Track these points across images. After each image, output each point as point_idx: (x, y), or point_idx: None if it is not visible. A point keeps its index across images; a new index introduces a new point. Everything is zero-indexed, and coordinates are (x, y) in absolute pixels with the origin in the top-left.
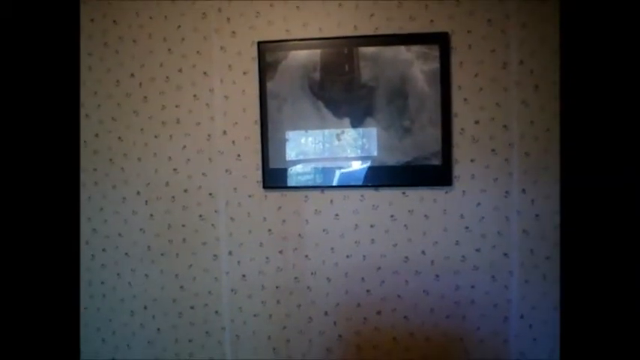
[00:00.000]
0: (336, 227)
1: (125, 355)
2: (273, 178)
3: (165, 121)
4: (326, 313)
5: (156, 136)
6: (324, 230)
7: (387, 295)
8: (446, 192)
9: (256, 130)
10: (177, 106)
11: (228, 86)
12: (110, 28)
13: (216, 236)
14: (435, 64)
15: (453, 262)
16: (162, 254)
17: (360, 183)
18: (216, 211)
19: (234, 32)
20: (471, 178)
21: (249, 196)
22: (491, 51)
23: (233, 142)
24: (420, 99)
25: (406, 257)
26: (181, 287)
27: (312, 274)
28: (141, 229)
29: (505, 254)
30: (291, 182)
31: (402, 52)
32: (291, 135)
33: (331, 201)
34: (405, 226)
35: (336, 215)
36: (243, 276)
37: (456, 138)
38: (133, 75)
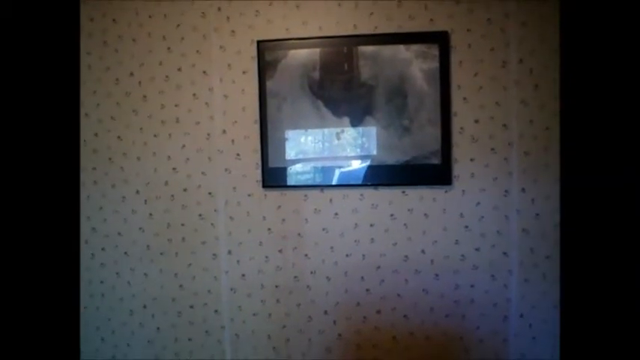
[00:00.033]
0: (336, 226)
1: (125, 354)
2: (273, 177)
3: (164, 120)
4: (325, 312)
5: (155, 135)
6: (323, 229)
7: (387, 294)
8: (445, 191)
9: (256, 129)
10: (176, 105)
11: (228, 85)
12: (109, 26)
13: (215, 235)
14: (435, 63)
15: (453, 261)
16: (161, 253)
17: (360, 182)
18: (215, 210)
19: (233, 31)
20: (470, 177)
21: (249, 195)
22: (491, 50)
23: (232, 141)
24: (419, 98)
25: (406, 256)
26: (181, 286)
27: (311, 273)
28: (140, 228)
29: (505, 253)
30: (290, 181)
31: (402, 51)
32: (290, 134)
33: (331, 200)
34: (405, 225)
35: (336, 214)
36: (243, 275)
37: (456, 137)
38: (132, 74)
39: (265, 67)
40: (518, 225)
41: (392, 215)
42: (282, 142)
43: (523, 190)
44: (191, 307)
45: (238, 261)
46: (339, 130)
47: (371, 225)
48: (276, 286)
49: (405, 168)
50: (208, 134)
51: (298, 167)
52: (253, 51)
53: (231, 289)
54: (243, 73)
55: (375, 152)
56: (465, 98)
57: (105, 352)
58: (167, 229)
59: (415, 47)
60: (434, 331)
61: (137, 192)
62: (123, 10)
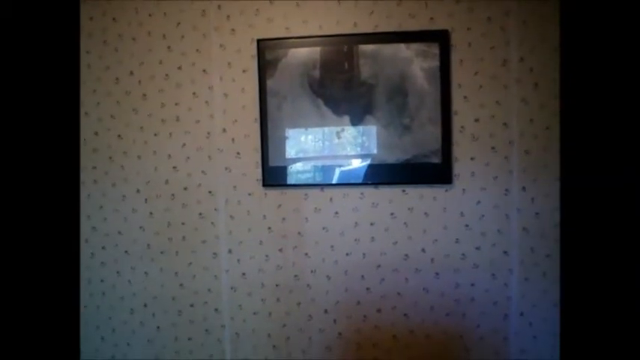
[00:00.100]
0: (336, 225)
1: (125, 354)
2: (273, 176)
3: (164, 119)
4: (326, 311)
5: (155, 134)
6: (323, 228)
7: (387, 293)
8: (446, 190)
9: (256, 127)
10: (176, 104)
11: (228, 84)
12: (109, 25)
13: (215, 234)
14: (435, 62)
15: (453, 260)
16: (161, 252)
17: (360, 181)
18: (215, 209)
19: (233, 30)
20: (470, 176)
21: (249, 194)
22: (491, 48)
23: (233, 139)
24: (419, 97)
25: (406, 255)
26: (181, 285)
27: (311, 272)
28: (140, 227)
29: (505, 252)
30: (290, 180)
31: (402, 49)
32: (290, 133)
33: (331, 199)
34: (405, 224)
35: (336, 213)
36: (243, 274)
37: (456, 136)
38: (132, 73)
39: (265, 65)
40: (518, 224)
41: (392, 214)
42: (283, 140)
43: (523, 188)
44: (191, 305)
45: (238, 260)
46: (339, 128)
47: (371, 224)
48: (277, 285)
49: (406, 167)
50: (208, 133)
51: (298, 166)
52: (253, 50)
53: (232, 288)
54: (244, 71)
55: (375, 151)
56: (465, 97)
57: (105, 351)
58: (167, 227)
59: (415, 46)
60: (434, 330)
61: (137, 191)
62: (123, 9)
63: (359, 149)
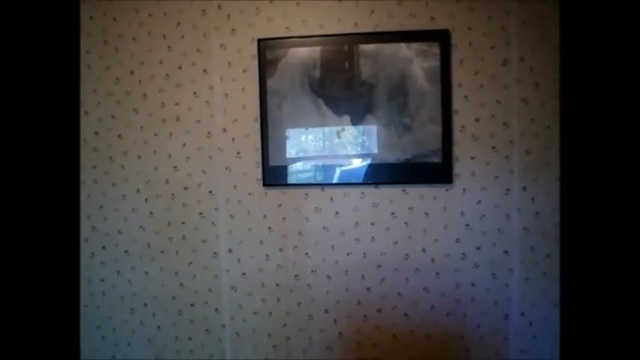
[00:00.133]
0: (337, 225)
1: (125, 353)
2: (273, 175)
3: (165, 119)
4: (326, 311)
5: (156, 134)
6: (324, 228)
7: (388, 293)
8: (446, 189)
9: (256, 127)
10: (177, 104)
11: (228, 84)
12: (110, 25)
13: (216, 234)
14: (435, 62)
15: (454, 260)
16: (162, 252)
17: (361, 180)
18: (216, 209)
19: (233, 29)
20: (471, 176)
21: (249, 194)
22: (492, 48)
23: (233, 139)
24: (420, 96)
25: (406, 255)
26: (181, 285)
27: (312, 271)
28: (141, 227)
29: (505, 252)
30: (291, 180)
31: (403, 49)
32: (291, 132)
33: (331, 198)
34: (406, 223)
35: (337, 213)
36: (243, 274)
37: (457, 135)
38: (132, 72)
39: (266, 65)
40: (518, 223)
41: (393, 214)
42: (283, 140)
43: (524, 188)
44: (191, 305)
45: (239, 259)
46: (339, 128)
47: (372, 223)
48: (277, 285)
49: (406, 166)
50: (209, 133)
51: (299, 166)
52: (254, 49)
53: (232, 288)
54: (244, 71)
55: (375, 151)
56: (465, 96)
57: (105, 350)
58: (167, 227)
59: (416, 45)
60: (434, 330)
61: (137, 190)
62: (123, 9)
63: (359, 149)
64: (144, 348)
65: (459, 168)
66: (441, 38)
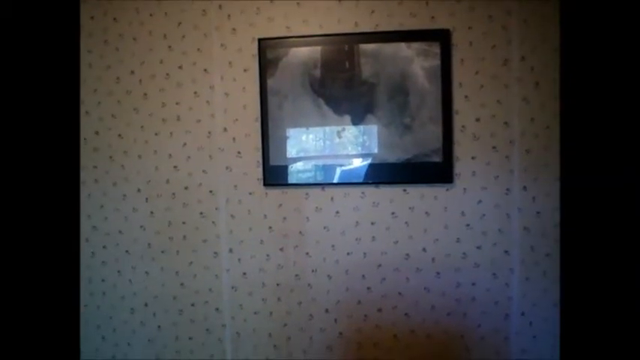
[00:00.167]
0: (337, 224)
1: (125, 353)
2: (274, 175)
3: (165, 119)
4: (327, 311)
5: (156, 134)
6: (324, 227)
7: (388, 293)
8: (447, 189)
9: (257, 127)
10: (177, 104)
11: (229, 83)
12: (110, 25)
13: (216, 234)
14: (436, 61)
15: (454, 260)
16: (162, 251)
17: (361, 180)
18: (216, 209)
19: (234, 29)
20: (471, 176)
21: (250, 194)
22: (492, 48)
23: (233, 139)
24: (420, 96)
25: (407, 254)
26: (182, 285)
27: (312, 271)
28: (141, 227)
29: (506, 251)
30: (291, 179)
31: (403, 48)
32: (291, 132)
33: (332, 198)
34: (406, 223)
35: (337, 212)
36: (244, 273)
37: (457, 135)
38: (133, 72)
39: (266, 65)
40: (519, 223)
41: (393, 213)
42: (283, 140)
43: (524, 188)
44: (192, 305)
45: (239, 259)
46: (340, 128)
47: (372, 223)
48: (277, 285)
49: (406, 166)
50: (209, 132)
51: (299, 165)
52: (254, 49)
53: (232, 288)
54: (244, 71)
55: (376, 150)
56: (466, 96)
57: (106, 350)
58: (168, 227)
59: (416, 45)
60: (435, 330)
61: (138, 190)
62: (123, 9)
63: (360, 148)
64: (144, 348)
65: (459, 168)
66: (441, 38)
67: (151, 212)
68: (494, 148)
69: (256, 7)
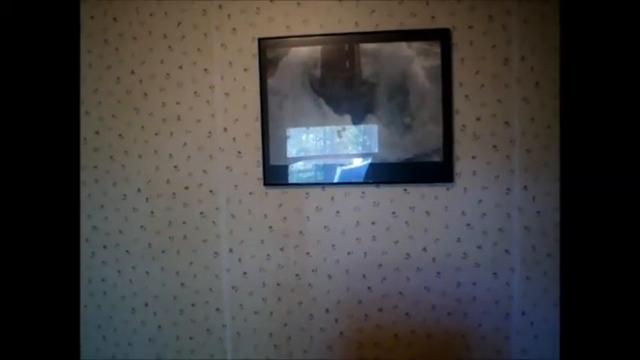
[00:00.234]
0: (337, 224)
1: (126, 353)
2: (274, 175)
3: (165, 119)
4: (327, 311)
5: (156, 134)
6: (325, 227)
7: (389, 292)
8: (447, 189)
9: (257, 127)
10: (177, 104)
11: (229, 83)
12: (110, 25)
13: (217, 233)
14: (436, 61)
15: (455, 259)
16: (162, 251)
17: (361, 180)
18: (216, 209)
19: (234, 29)
20: (472, 175)
21: (250, 193)
22: (493, 47)
23: (234, 139)
24: (421, 96)
25: (407, 254)
26: (182, 284)
27: (313, 271)
28: (141, 227)
29: (506, 251)
30: (292, 179)
31: (403, 48)
32: (291, 132)
33: (332, 198)
34: (406, 222)
35: (337, 212)
36: (244, 273)
37: (457, 135)
38: (133, 72)
39: (266, 64)
40: (519, 222)
41: (393, 213)
42: (284, 139)
43: (525, 187)
44: (192, 305)
45: (240, 259)
46: (340, 127)
47: (372, 223)
48: (278, 284)
49: (407, 166)
50: (209, 132)
51: (299, 165)
52: (254, 49)
53: (233, 288)
54: (245, 70)
55: (376, 150)
56: (466, 96)
57: (106, 350)
58: (168, 227)
59: (417, 44)
60: (436, 329)
61: (138, 190)
62: (123, 9)
63: (360, 148)
64: (145, 348)
65: (459, 167)
66: (441, 37)
67: (152, 212)
68: (494, 147)
69: (256, 7)
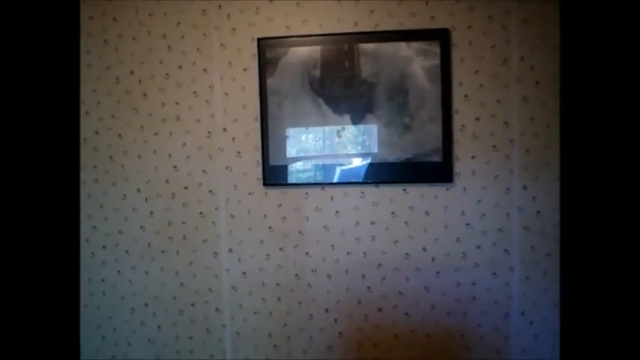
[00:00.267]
0: (337, 224)
1: (126, 353)
2: (274, 175)
3: (165, 119)
4: (327, 310)
5: (156, 134)
6: (324, 227)
7: (388, 292)
8: (447, 188)
9: (256, 127)
10: (177, 104)
11: (228, 83)
12: (110, 25)
13: (216, 233)
14: (436, 61)
15: (454, 259)
16: (162, 251)
17: (361, 180)
18: (216, 209)
19: (234, 29)
20: (471, 175)
21: (250, 194)
22: (492, 47)
23: (233, 139)
24: (420, 95)
25: (407, 254)
26: (182, 284)
27: (312, 271)
28: (141, 227)
29: (506, 251)
30: (291, 179)
31: (403, 48)
32: (291, 132)
33: (332, 198)
34: (406, 222)
35: (337, 212)
36: (244, 273)
37: (457, 134)
38: (132, 72)
39: (266, 64)
40: (519, 222)
41: (393, 213)
42: (283, 139)
43: (524, 187)
44: (192, 305)
45: (239, 259)
46: (339, 127)
47: (372, 223)
48: (277, 284)
49: (406, 165)
50: (209, 132)
51: (299, 165)
52: (254, 48)
53: (232, 288)
54: (244, 70)
55: (376, 150)
56: (466, 95)
57: (106, 350)
58: (168, 227)
59: (416, 44)
60: (435, 329)
61: (138, 190)
62: (123, 9)
63: (360, 148)
64: (144, 348)
65: (459, 167)
66: (441, 37)
67: (151, 212)
68: (494, 147)
69: (256, 7)
